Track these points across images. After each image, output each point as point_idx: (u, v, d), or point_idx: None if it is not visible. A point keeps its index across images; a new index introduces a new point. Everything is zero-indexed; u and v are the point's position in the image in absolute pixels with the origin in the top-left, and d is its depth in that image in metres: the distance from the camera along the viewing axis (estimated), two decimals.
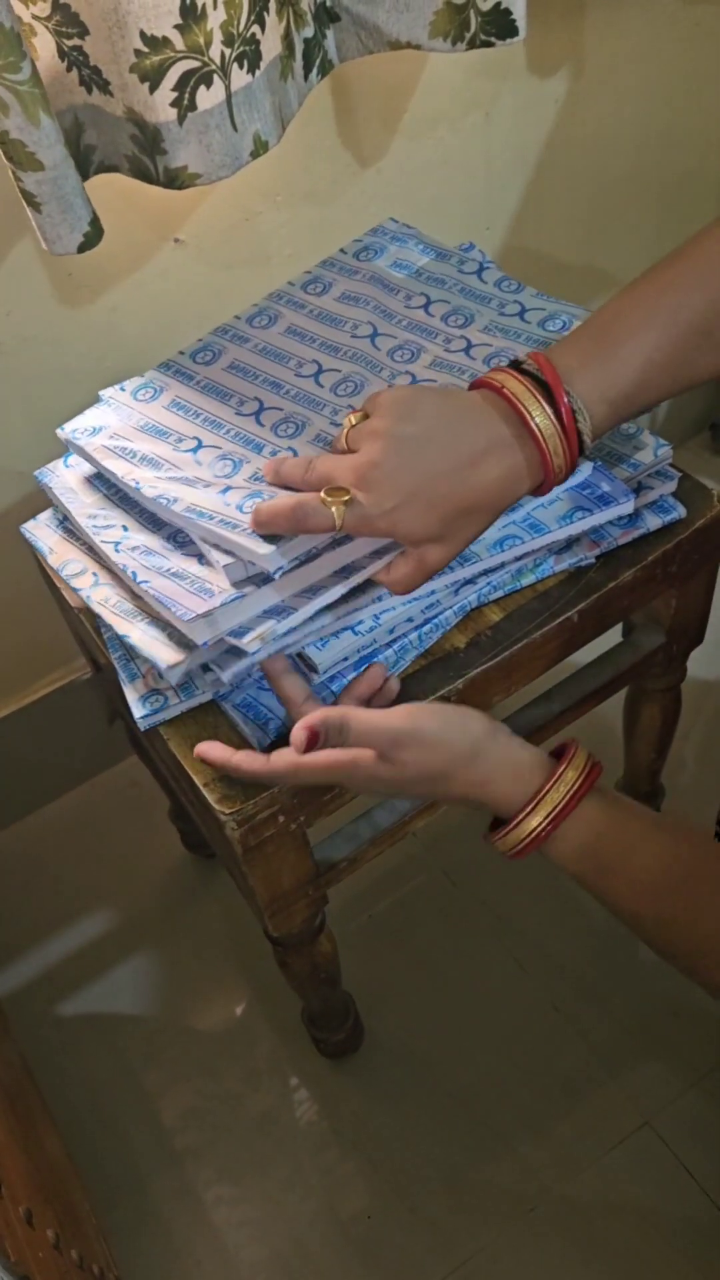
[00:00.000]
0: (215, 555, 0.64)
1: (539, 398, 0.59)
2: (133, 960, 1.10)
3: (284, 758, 0.61)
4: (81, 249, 0.75)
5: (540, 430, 0.59)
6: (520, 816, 0.62)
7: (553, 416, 0.59)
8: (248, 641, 0.64)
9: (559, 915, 1.06)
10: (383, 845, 0.77)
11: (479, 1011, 1.02)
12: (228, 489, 0.67)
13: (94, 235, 0.76)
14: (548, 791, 0.62)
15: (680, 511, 0.74)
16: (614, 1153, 0.93)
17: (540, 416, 0.59)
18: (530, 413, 0.59)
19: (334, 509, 0.59)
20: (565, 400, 0.59)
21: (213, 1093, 1.01)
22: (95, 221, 0.75)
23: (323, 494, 0.60)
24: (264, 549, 0.61)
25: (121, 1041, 1.05)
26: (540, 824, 0.61)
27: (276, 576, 0.63)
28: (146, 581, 0.66)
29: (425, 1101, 0.98)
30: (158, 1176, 0.97)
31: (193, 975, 1.08)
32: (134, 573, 0.67)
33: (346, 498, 0.59)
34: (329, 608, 0.67)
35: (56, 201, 0.72)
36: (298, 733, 0.59)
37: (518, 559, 0.72)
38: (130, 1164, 0.98)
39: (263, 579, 0.64)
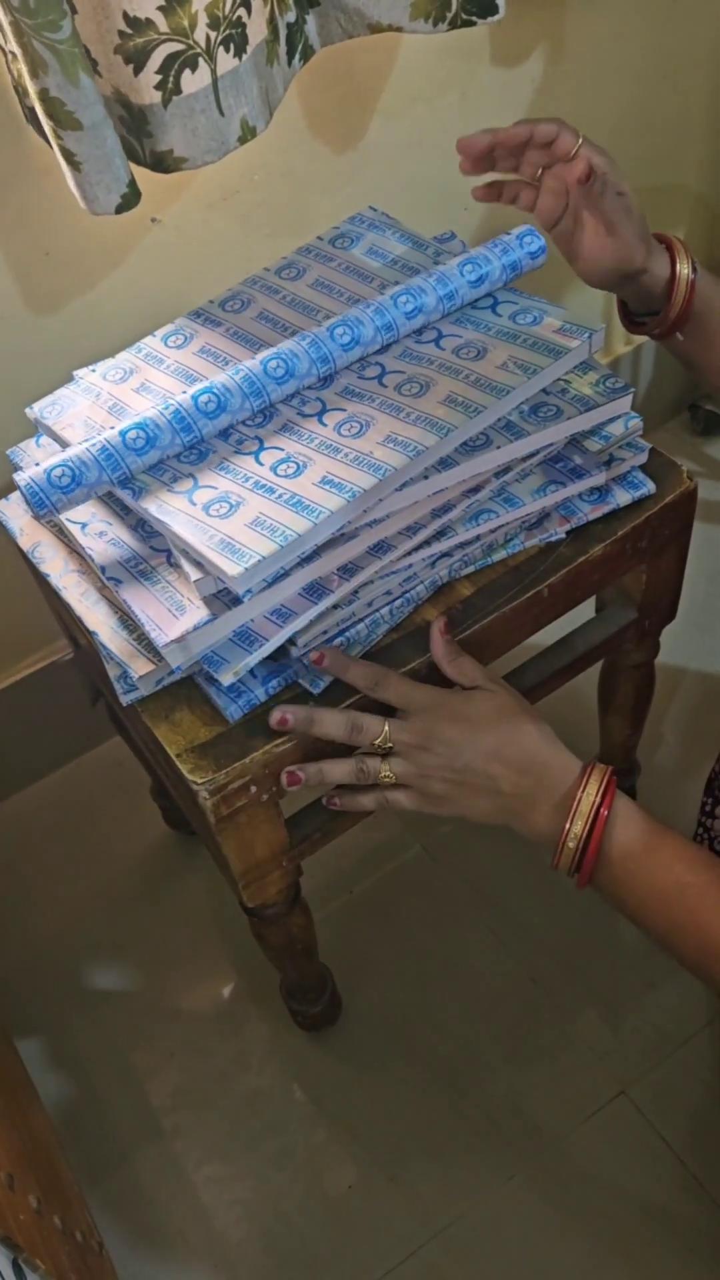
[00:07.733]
0: (186, 565, 0.64)
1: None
2: (117, 938, 1.11)
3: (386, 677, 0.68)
4: (120, 210, 0.75)
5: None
6: (570, 816, 0.66)
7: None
8: (223, 675, 0.65)
9: (538, 890, 1.07)
10: (356, 818, 0.78)
11: (458, 985, 1.03)
12: (195, 485, 0.67)
13: (132, 196, 0.75)
14: (587, 780, 0.66)
15: (650, 487, 0.75)
16: (591, 1122, 0.95)
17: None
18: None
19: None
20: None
21: (199, 1070, 1.02)
22: (133, 183, 0.75)
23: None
24: (233, 569, 0.61)
25: (107, 1020, 1.06)
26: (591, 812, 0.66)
27: (245, 600, 0.63)
28: (117, 581, 0.67)
29: (406, 1073, 0.99)
30: (143, 1153, 0.98)
31: (178, 952, 1.09)
32: (103, 566, 0.68)
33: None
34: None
35: (95, 161, 0.72)
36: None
37: (491, 532, 0.73)
38: (115, 1141, 0.99)
39: (234, 598, 0.64)
